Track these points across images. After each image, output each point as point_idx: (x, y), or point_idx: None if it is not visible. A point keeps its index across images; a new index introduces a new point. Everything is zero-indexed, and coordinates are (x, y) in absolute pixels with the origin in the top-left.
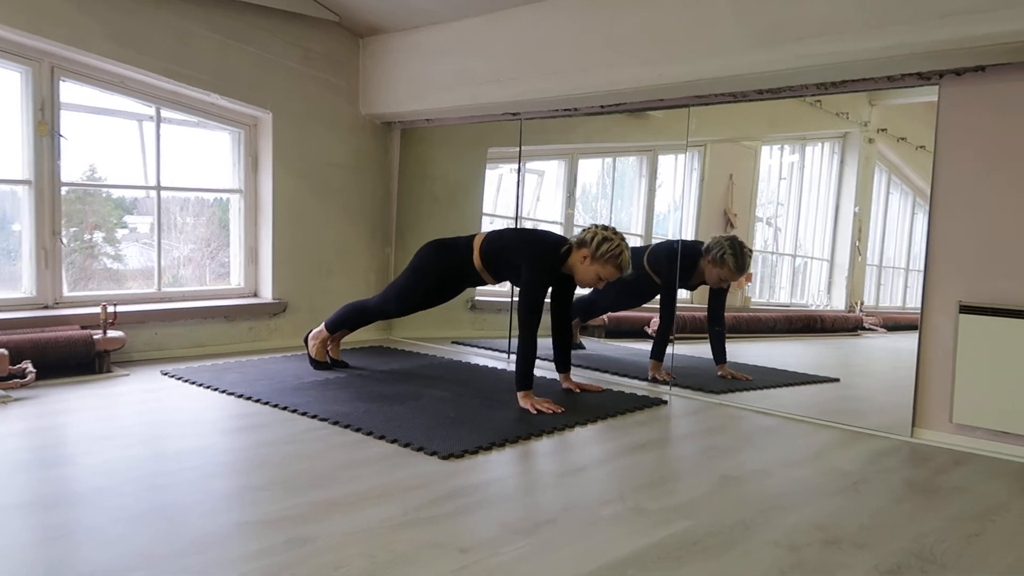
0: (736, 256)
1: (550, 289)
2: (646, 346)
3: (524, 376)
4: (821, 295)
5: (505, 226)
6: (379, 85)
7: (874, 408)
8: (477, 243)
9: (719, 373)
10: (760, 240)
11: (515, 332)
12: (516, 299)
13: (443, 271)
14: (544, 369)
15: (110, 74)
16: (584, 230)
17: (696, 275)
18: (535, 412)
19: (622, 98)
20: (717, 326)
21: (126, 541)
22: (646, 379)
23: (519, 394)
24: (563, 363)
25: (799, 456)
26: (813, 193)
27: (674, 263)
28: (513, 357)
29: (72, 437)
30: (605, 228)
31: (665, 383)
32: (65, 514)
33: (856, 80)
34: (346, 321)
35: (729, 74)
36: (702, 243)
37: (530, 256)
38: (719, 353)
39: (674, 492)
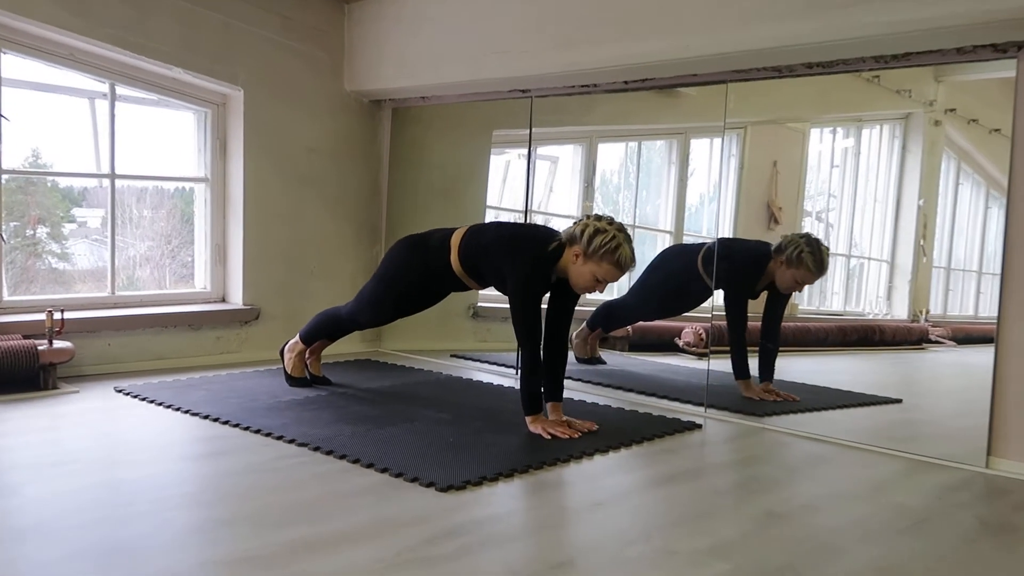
0: (815, 254)
1: (547, 297)
2: (675, 361)
3: (530, 399)
4: (880, 302)
5: (512, 220)
6: (367, 58)
7: (942, 434)
8: (456, 241)
9: (763, 395)
10: None
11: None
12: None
13: (416, 276)
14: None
15: (57, 45)
16: (575, 223)
17: (763, 280)
18: (548, 437)
19: (649, 73)
20: (771, 340)
21: None
22: (677, 399)
23: (527, 419)
24: (552, 391)
25: (854, 489)
26: (870, 183)
27: (739, 265)
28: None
29: (13, 463)
30: (599, 218)
31: (766, 402)
32: (7, 552)
33: (921, 52)
34: (322, 331)
35: (773, 45)
36: (767, 243)
37: (513, 257)
38: (767, 369)
39: (709, 531)
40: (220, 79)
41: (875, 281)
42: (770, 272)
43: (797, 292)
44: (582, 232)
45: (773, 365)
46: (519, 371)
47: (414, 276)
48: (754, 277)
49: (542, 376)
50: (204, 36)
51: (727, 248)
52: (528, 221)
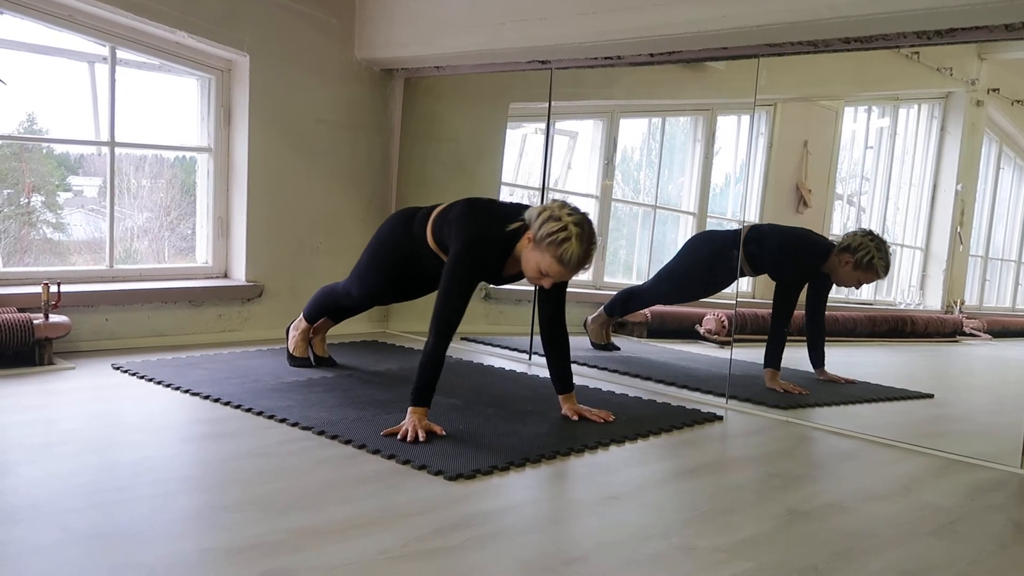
0: (883, 257)
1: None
2: (696, 349)
3: (418, 389)
4: (912, 292)
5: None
6: (378, 24)
7: (976, 431)
8: (434, 214)
9: (820, 378)
10: (839, 223)
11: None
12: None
13: (402, 254)
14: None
15: (56, 5)
16: (542, 205)
17: (815, 273)
18: (402, 438)
19: (676, 45)
20: (820, 325)
21: (71, 568)
22: (697, 389)
23: (409, 409)
24: (561, 381)
25: (883, 488)
26: (906, 166)
27: (800, 259)
28: (536, 359)
29: (7, 442)
30: (564, 206)
31: (788, 395)
32: (0, 533)
33: (967, 29)
34: (323, 308)
35: (811, 18)
36: (817, 234)
37: (460, 233)
38: (819, 356)
39: (730, 528)
40: (225, 44)
41: (908, 269)
42: (829, 267)
43: (858, 288)
44: (538, 215)
45: (823, 352)
46: (421, 360)
47: (399, 252)
48: (815, 271)
49: (440, 371)
50: None
51: (783, 238)
52: (489, 198)
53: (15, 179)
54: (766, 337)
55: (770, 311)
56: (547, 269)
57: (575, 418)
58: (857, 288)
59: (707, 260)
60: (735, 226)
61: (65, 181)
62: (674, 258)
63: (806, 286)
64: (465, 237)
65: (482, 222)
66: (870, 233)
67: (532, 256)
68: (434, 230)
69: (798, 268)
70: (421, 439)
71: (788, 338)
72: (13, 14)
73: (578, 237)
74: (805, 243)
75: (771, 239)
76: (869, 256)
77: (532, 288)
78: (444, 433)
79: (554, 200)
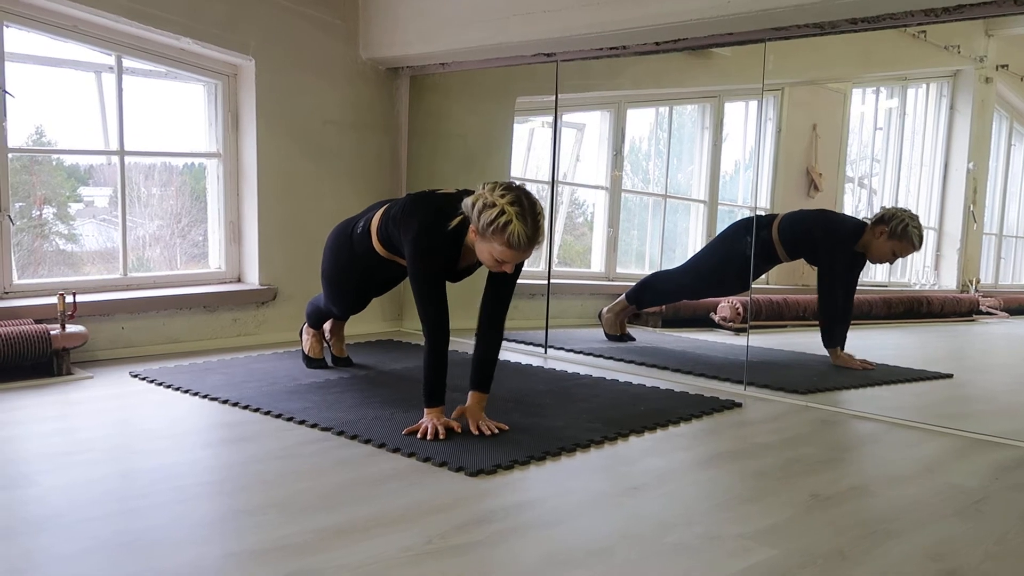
0: (917, 227)
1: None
2: (711, 337)
3: (429, 390)
4: (927, 272)
5: (445, 189)
6: (383, 23)
7: (997, 410)
8: (374, 228)
9: (835, 363)
10: (851, 205)
11: (553, 322)
12: (556, 280)
13: (351, 263)
14: (604, 369)
15: (62, 16)
16: (475, 194)
17: (851, 252)
18: (422, 436)
19: (681, 32)
20: (847, 307)
21: (96, 575)
22: (715, 377)
23: (425, 411)
24: (478, 379)
25: (906, 470)
26: (916, 146)
27: (841, 240)
28: (551, 352)
29: (28, 453)
30: (495, 188)
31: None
32: (24, 544)
33: (975, 4)
34: (321, 317)
35: None
36: (853, 217)
37: (407, 232)
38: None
39: (753, 515)
40: (230, 48)
41: (922, 250)
42: (863, 243)
43: (889, 264)
44: (472, 205)
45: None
46: (424, 360)
47: (350, 269)
48: (852, 249)
49: (445, 365)
50: (213, 4)
51: (819, 222)
52: (428, 191)
53: (26, 192)
54: (783, 323)
55: (784, 297)
56: (500, 256)
57: (457, 427)
58: (891, 262)
59: (743, 249)
60: (747, 213)
61: (76, 192)
62: (706, 247)
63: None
64: (412, 234)
65: (424, 215)
66: (905, 209)
67: (483, 247)
68: (379, 234)
69: (840, 252)
70: (441, 436)
71: (804, 322)
72: (19, 27)
73: (519, 216)
74: (840, 223)
75: (805, 225)
76: (904, 224)
77: (544, 282)
78: (460, 430)
79: (484, 184)
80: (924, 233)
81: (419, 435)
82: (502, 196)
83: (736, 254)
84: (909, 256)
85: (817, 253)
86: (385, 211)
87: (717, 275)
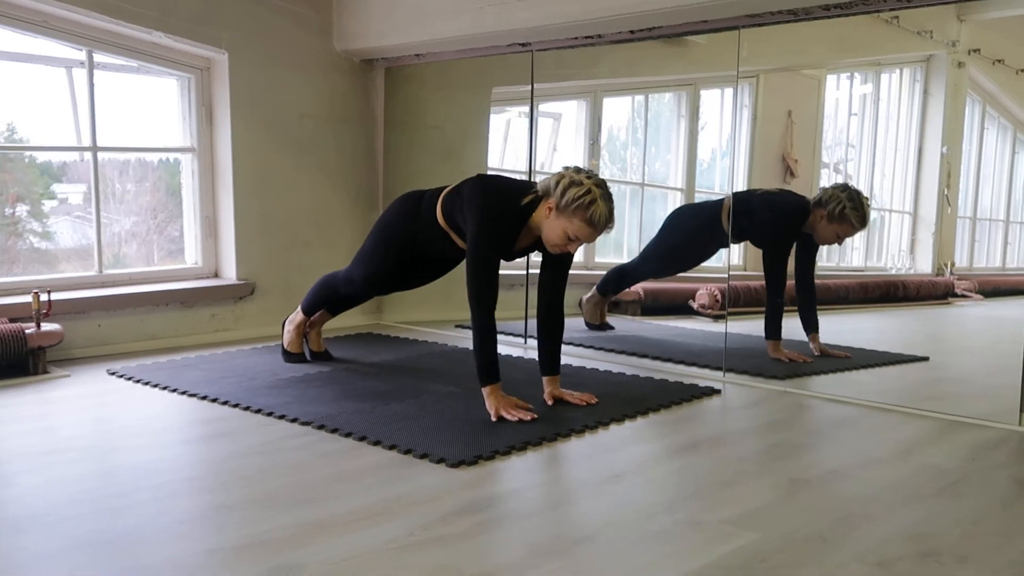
0: (857, 208)
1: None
2: (690, 324)
3: (486, 367)
4: (903, 256)
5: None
6: (357, 14)
7: (973, 392)
8: (443, 195)
9: (811, 346)
10: None
11: (532, 312)
12: (534, 271)
13: (409, 235)
14: (583, 358)
15: (31, 12)
16: (553, 174)
17: (797, 233)
18: (495, 419)
19: (656, 21)
20: (810, 288)
21: (78, 574)
22: (694, 364)
23: (484, 390)
24: (549, 364)
25: (883, 452)
26: (891, 131)
27: (781, 219)
28: (531, 342)
29: (6, 452)
30: (579, 171)
31: (793, 364)
32: (3, 544)
33: None
34: (322, 299)
35: None
36: (803, 196)
37: (477, 209)
38: (812, 320)
39: (733, 500)
40: (203, 42)
41: (897, 234)
42: (809, 225)
43: (837, 245)
44: (557, 183)
45: (816, 313)
46: (473, 339)
47: (407, 233)
48: (796, 231)
49: (495, 342)
50: None
51: (761, 201)
52: (496, 174)
53: None
54: (762, 309)
55: (762, 283)
56: (576, 233)
57: (550, 402)
58: (839, 244)
59: (693, 232)
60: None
61: (49, 189)
62: (658, 233)
63: (793, 252)
64: (482, 212)
65: (497, 197)
66: (843, 185)
67: (557, 224)
68: (444, 209)
69: (779, 228)
70: (527, 418)
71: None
72: None
73: (602, 197)
74: (782, 203)
75: (751, 204)
76: (840, 206)
77: (524, 272)
78: (531, 407)
79: (566, 167)
80: (868, 211)
81: (494, 419)
82: (588, 178)
83: (688, 238)
84: (857, 236)
85: (762, 236)
86: (454, 190)
87: (674, 259)
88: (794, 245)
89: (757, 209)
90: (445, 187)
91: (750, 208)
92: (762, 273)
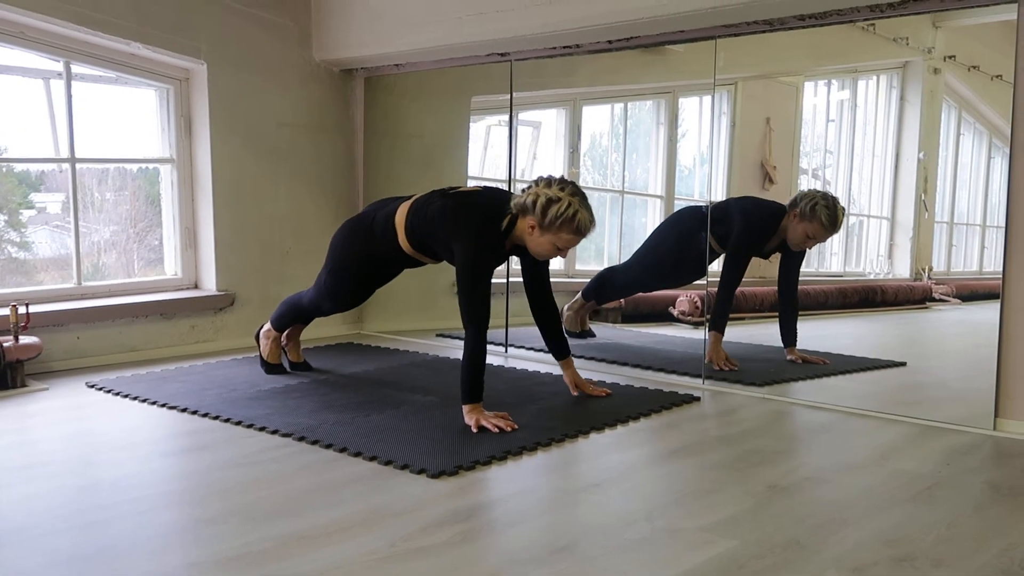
0: (829, 209)
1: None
2: (671, 331)
3: (468, 387)
4: (881, 261)
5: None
6: (335, 24)
7: (949, 397)
8: (400, 220)
9: (789, 357)
10: None
11: (513, 320)
12: (516, 279)
13: (365, 263)
14: (535, 361)
15: (7, 23)
16: (524, 190)
17: (774, 239)
18: (476, 431)
19: (634, 30)
20: (790, 302)
21: None
22: (674, 372)
23: (464, 408)
24: (558, 348)
25: (860, 458)
26: (868, 137)
27: (750, 224)
28: (512, 351)
29: None
30: (549, 184)
31: (722, 371)
32: None
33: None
34: (290, 319)
35: None
36: (774, 202)
37: (460, 231)
38: (790, 334)
39: (712, 507)
40: (181, 53)
41: (875, 239)
42: (782, 230)
43: (807, 249)
44: (534, 203)
45: (796, 325)
46: (463, 357)
47: (364, 264)
48: (765, 234)
49: (484, 361)
50: (162, 8)
51: (737, 205)
52: (471, 186)
53: None
54: (740, 316)
55: (741, 290)
56: (565, 244)
57: (575, 393)
58: (809, 247)
59: (677, 243)
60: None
61: (27, 199)
62: (652, 235)
63: (779, 261)
64: (467, 234)
65: (478, 215)
66: (819, 191)
67: (544, 240)
68: (408, 234)
69: (744, 232)
70: (508, 428)
71: (763, 314)
72: None
73: (581, 205)
74: (753, 207)
75: (728, 211)
76: (813, 204)
77: (504, 281)
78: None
79: (536, 182)
80: (839, 215)
81: (490, 428)
82: (562, 189)
83: (683, 241)
84: (836, 241)
85: (735, 240)
86: (414, 210)
87: (667, 266)
88: (779, 257)
89: (732, 215)
90: (394, 207)
91: (727, 215)
92: (778, 282)
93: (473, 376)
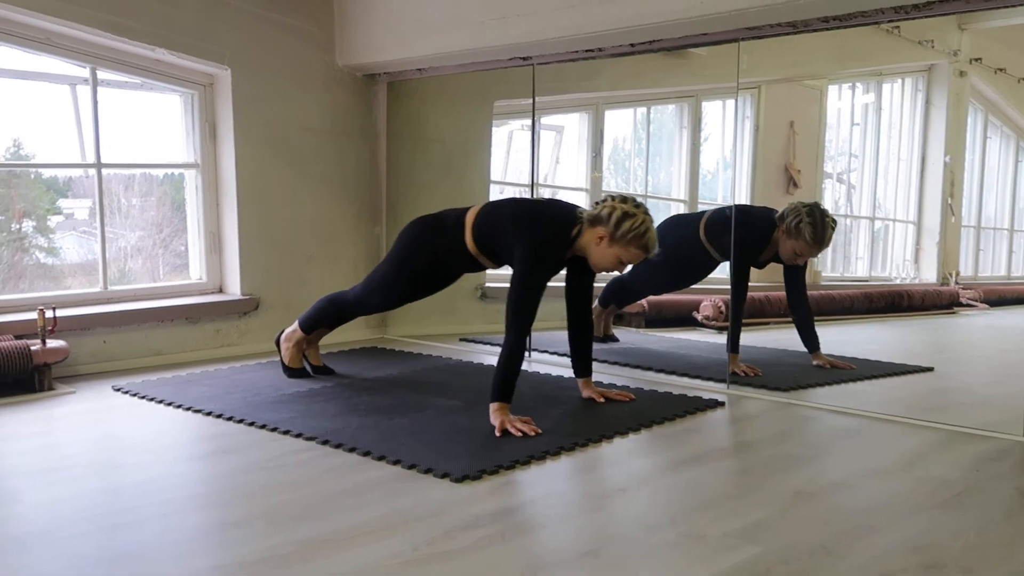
0: (815, 225)
1: (564, 273)
2: (694, 336)
3: (500, 385)
4: (907, 266)
5: (517, 195)
6: (358, 29)
7: (977, 402)
8: (470, 220)
9: (815, 363)
10: (831, 201)
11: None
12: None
13: (430, 258)
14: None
15: (34, 29)
16: (598, 203)
17: (768, 249)
18: (499, 434)
19: (656, 33)
20: (801, 309)
21: None
22: (697, 377)
23: (491, 406)
24: (582, 366)
25: (887, 464)
26: (893, 141)
27: (741, 234)
28: (535, 355)
29: (10, 470)
30: (624, 200)
31: (747, 377)
32: (8, 562)
33: (945, 1)
34: (323, 318)
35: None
36: (774, 210)
37: (529, 237)
38: (810, 339)
39: (737, 513)
40: (205, 58)
41: (901, 244)
42: (775, 242)
43: (799, 264)
44: (609, 215)
45: (814, 330)
46: (500, 356)
47: (428, 258)
48: (759, 246)
49: (521, 364)
50: (186, 14)
51: (734, 216)
52: (540, 196)
53: (5, 206)
54: (764, 320)
55: (764, 295)
56: (631, 259)
57: (601, 400)
58: (798, 263)
59: (679, 245)
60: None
61: (55, 205)
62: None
63: (783, 271)
64: (535, 241)
65: (550, 226)
66: (811, 204)
67: (611, 252)
68: (475, 233)
69: (737, 245)
70: (532, 432)
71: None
72: None
73: (652, 224)
74: (746, 216)
75: (726, 220)
76: (798, 220)
77: None
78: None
79: (610, 196)
80: (827, 232)
81: (498, 433)
82: (636, 207)
83: (672, 251)
84: (853, 246)
85: (732, 252)
86: (486, 210)
87: (663, 272)
88: (781, 266)
89: (732, 223)
90: (463, 209)
91: (727, 223)
92: (764, 284)
93: (506, 376)
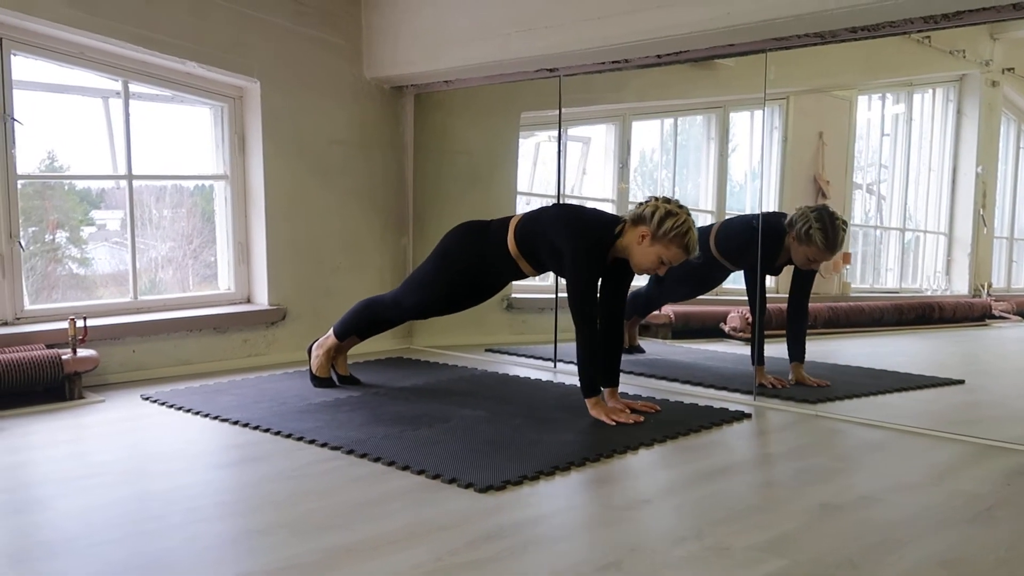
0: (825, 230)
1: (564, 280)
2: (721, 348)
3: (587, 382)
4: (938, 277)
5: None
6: (386, 42)
7: (1009, 415)
8: (513, 223)
9: (790, 376)
10: (860, 212)
11: (562, 336)
12: (563, 295)
13: (473, 261)
14: None
15: (67, 44)
16: (641, 203)
17: (781, 256)
18: (613, 423)
19: (683, 45)
20: (799, 314)
21: None
22: (724, 388)
23: (588, 402)
24: (608, 375)
25: (916, 477)
26: (924, 152)
27: (752, 243)
28: (560, 366)
29: (41, 477)
30: (667, 201)
31: (774, 389)
32: (39, 569)
33: (974, 10)
34: (358, 324)
35: (815, 9)
36: (784, 215)
37: (574, 239)
38: (798, 350)
39: (763, 526)
40: (235, 71)
41: (932, 255)
42: (786, 248)
43: (814, 269)
44: (652, 213)
45: (804, 341)
46: (578, 355)
47: (471, 259)
48: (769, 253)
49: (599, 359)
50: (217, 28)
51: (739, 226)
52: (579, 204)
53: (39, 217)
54: (807, 331)
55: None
56: (672, 258)
57: (612, 423)
58: (812, 268)
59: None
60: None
61: (88, 216)
62: None
63: (791, 274)
64: (581, 241)
65: (592, 227)
66: (818, 207)
67: (652, 251)
68: (518, 235)
69: (755, 252)
70: (631, 421)
71: (815, 331)
72: (26, 55)
73: (693, 224)
74: (753, 224)
75: (734, 228)
76: (807, 227)
77: (553, 296)
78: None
79: (653, 197)
80: (839, 235)
81: (608, 422)
82: (679, 207)
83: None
84: (883, 257)
85: (741, 259)
86: (529, 216)
87: (676, 281)
88: (791, 272)
89: (736, 233)
90: (510, 216)
91: (732, 233)
92: (788, 296)
93: (582, 371)
